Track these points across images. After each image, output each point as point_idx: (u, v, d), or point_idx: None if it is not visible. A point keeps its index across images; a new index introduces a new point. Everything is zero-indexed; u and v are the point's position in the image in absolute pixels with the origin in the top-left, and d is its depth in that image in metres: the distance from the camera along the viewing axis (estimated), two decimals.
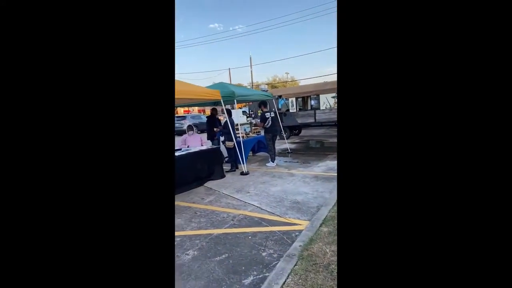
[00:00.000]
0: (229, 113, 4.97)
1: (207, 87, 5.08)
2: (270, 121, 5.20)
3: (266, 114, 5.19)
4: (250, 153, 6.29)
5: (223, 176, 4.67)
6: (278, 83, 33.07)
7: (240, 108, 13.12)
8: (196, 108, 27.97)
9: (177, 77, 4.96)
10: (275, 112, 5.61)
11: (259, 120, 5.52)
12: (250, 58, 24.77)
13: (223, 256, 2.16)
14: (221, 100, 4.64)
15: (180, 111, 25.91)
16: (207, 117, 6.64)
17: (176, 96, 3.66)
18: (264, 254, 2.15)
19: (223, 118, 8.58)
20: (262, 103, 5.34)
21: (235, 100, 5.08)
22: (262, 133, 6.69)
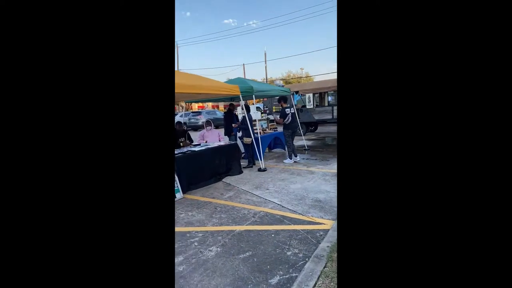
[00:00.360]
0: (247, 108, 4.91)
1: (225, 82, 5.04)
2: (290, 117, 5.08)
3: (286, 110, 5.06)
4: (266, 150, 6.22)
5: (240, 172, 4.65)
6: (292, 79, 32.65)
7: (253, 104, 13.08)
8: (210, 104, 28.17)
9: (192, 73, 4.92)
10: (295, 108, 5.47)
11: (278, 116, 5.40)
12: (265, 53, 24.59)
13: (247, 253, 2.12)
14: (240, 96, 4.59)
15: (195, 106, 26.17)
16: (224, 112, 6.62)
17: (196, 91, 3.65)
18: (289, 253, 2.10)
19: (238, 113, 8.54)
20: (282, 99, 5.22)
21: (253, 96, 5.01)
22: (279, 129, 6.61)
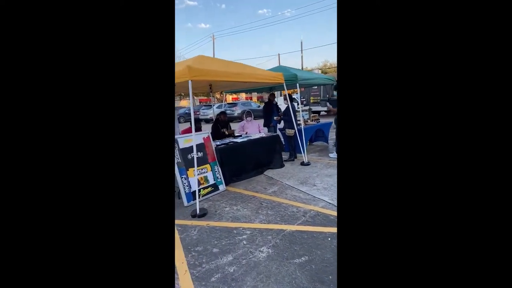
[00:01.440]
0: (290, 98, 4.61)
1: (268, 70, 4.78)
2: None
3: None
4: (307, 142, 5.88)
5: (282, 165, 4.41)
6: (329, 68, 31.13)
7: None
8: (244, 95, 28.23)
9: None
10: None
11: (331, 106, 4.92)
12: (301, 42, 23.65)
13: (303, 259, 1.89)
14: (284, 84, 4.30)
15: (229, 98, 26.43)
16: (264, 103, 6.40)
17: (241, 79, 3.45)
18: None
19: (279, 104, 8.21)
20: None
21: (297, 84, 4.68)
22: (322, 120, 6.19)
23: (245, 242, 2.17)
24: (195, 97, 21.12)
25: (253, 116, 5.22)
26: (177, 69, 3.18)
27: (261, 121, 5.89)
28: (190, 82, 2.82)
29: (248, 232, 2.33)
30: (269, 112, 5.69)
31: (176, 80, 2.99)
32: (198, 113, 14.46)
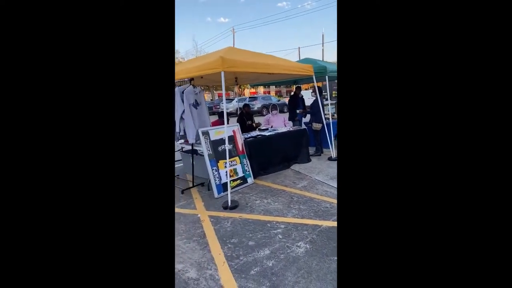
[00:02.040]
0: (319, 91, 4.47)
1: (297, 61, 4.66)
2: None
3: None
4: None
5: (309, 160, 4.32)
6: None
7: (306, 89, 12.36)
8: (262, 89, 28.06)
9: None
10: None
11: None
12: (322, 35, 23.02)
13: None
14: (313, 77, 4.17)
15: (246, 92, 26.35)
16: (290, 96, 6.28)
17: (271, 71, 3.38)
18: None
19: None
20: None
21: (326, 77, 4.53)
22: None
23: (280, 236, 2.12)
24: (215, 91, 21.23)
25: (278, 110, 5.14)
26: (207, 60, 3.16)
27: (286, 115, 5.80)
28: (223, 73, 2.79)
29: (282, 226, 2.29)
30: (294, 106, 5.58)
31: (207, 72, 2.97)
32: (218, 107, 14.55)
